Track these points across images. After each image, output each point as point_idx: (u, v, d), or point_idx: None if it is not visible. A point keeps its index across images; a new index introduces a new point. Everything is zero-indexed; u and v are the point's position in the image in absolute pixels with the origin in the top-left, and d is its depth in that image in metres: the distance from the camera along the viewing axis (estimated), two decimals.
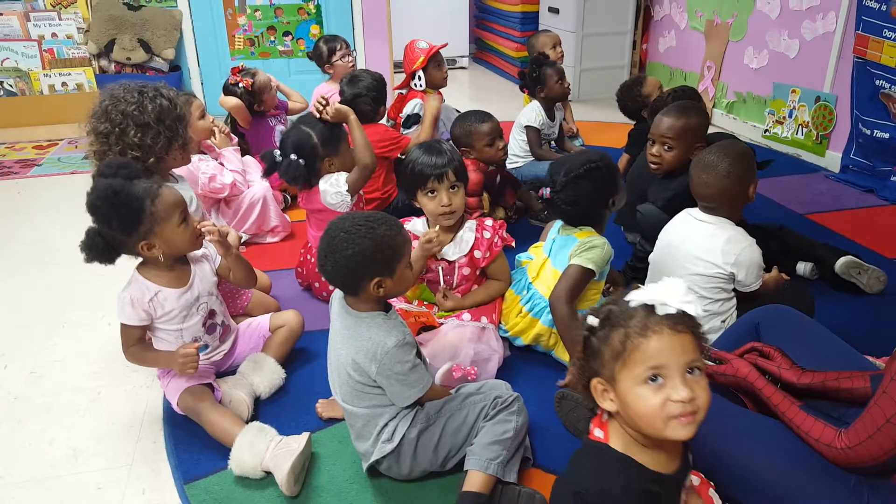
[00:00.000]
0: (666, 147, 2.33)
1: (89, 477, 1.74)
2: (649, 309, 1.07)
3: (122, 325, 1.79)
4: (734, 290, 1.97)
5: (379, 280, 1.51)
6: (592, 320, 1.12)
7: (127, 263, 1.82)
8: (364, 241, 1.48)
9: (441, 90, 3.59)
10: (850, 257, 2.42)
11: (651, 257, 2.11)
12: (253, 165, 3.08)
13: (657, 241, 2.10)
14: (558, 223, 2.09)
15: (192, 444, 1.80)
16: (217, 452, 1.75)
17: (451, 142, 2.83)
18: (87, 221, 1.71)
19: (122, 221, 1.66)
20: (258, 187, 2.93)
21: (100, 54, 4.46)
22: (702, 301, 1.94)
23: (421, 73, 3.33)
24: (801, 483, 1.35)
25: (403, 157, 2.34)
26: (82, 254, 1.71)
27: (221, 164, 2.98)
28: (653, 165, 2.39)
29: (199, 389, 1.83)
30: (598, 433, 1.17)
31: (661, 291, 1.08)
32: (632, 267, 2.45)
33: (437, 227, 2.09)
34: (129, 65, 4.49)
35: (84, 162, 3.92)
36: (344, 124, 2.38)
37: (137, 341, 1.81)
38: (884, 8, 3.12)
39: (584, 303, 1.98)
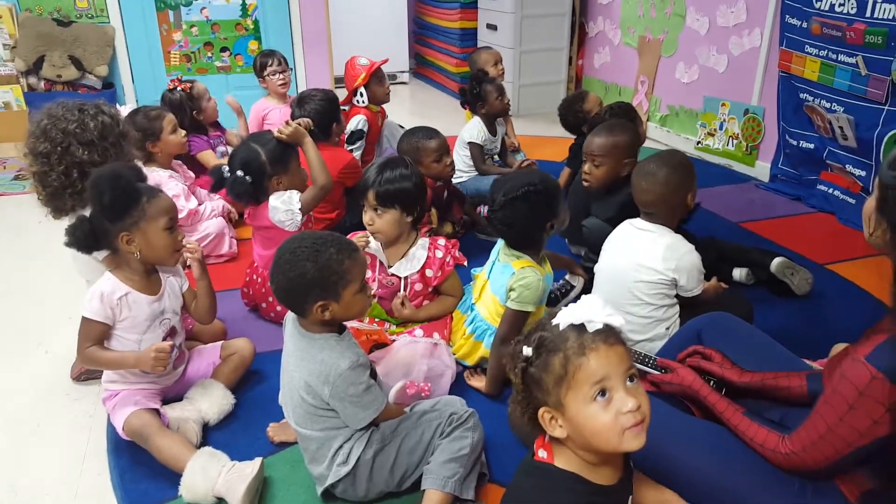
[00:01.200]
0: (595, 164, 2.44)
1: None
2: (579, 328, 1.10)
3: (83, 319, 1.74)
4: (677, 296, 2.03)
5: (323, 304, 1.49)
6: (527, 350, 1.13)
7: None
8: (307, 265, 1.47)
9: (383, 105, 3.61)
10: (783, 258, 2.54)
11: (596, 267, 2.16)
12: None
13: (602, 252, 2.15)
14: (500, 242, 2.10)
15: (138, 473, 1.74)
16: (165, 481, 1.69)
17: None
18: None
19: (115, 203, 1.67)
20: (215, 224, 2.90)
21: (28, 71, 4.30)
22: (646, 307, 2.00)
23: (363, 89, 3.35)
24: (747, 486, 1.40)
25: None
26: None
27: (192, 188, 2.96)
28: (584, 182, 2.49)
29: (145, 413, 1.78)
30: (542, 454, 1.19)
31: (585, 310, 1.11)
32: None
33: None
34: (59, 82, 4.34)
35: (14, 183, 3.77)
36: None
37: (96, 341, 1.75)
38: (805, 25, 3.29)
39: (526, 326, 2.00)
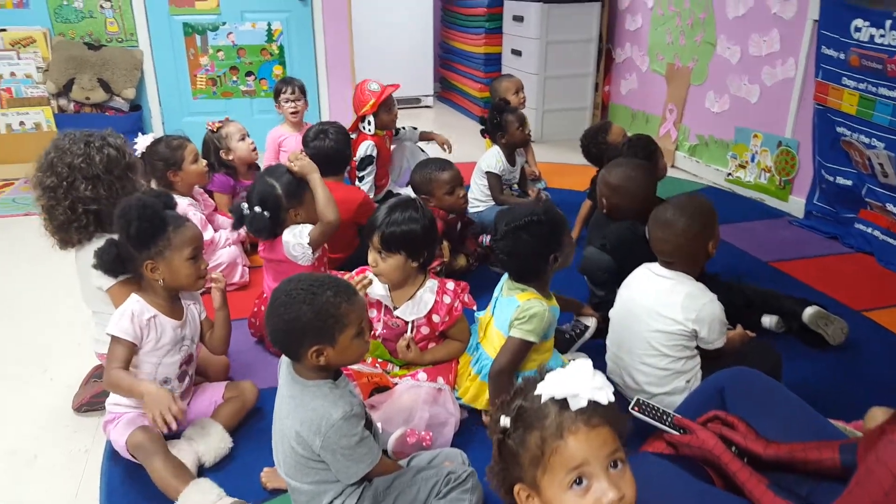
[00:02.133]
0: (602, 195, 2.43)
1: None
2: (561, 404, 1.00)
3: (112, 338, 1.74)
4: (697, 347, 1.91)
5: (318, 349, 1.42)
6: (505, 421, 1.04)
7: (78, 318, 1.81)
8: (302, 307, 1.40)
9: (402, 128, 3.57)
10: (817, 307, 2.39)
11: (611, 313, 2.06)
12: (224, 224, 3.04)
13: (617, 297, 2.04)
14: (504, 277, 2.02)
15: None
16: None
17: (409, 187, 2.78)
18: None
19: (140, 232, 1.70)
20: (227, 252, 2.87)
21: (59, 94, 4.36)
22: (664, 359, 1.89)
23: (371, 117, 3.29)
24: None
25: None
26: (93, 259, 1.78)
27: (210, 217, 2.94)
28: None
29: (152, 431, 1.75)
30: None
31: (570, 382, 1.00)
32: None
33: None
34: (88, 104, 4.39)
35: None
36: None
37: (124, 362, 1.74)
38: (842, 56, 3.16)
39: (528, 364, 1.91)
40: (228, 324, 1.94)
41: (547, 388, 1.01)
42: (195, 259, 1.79)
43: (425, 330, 2.01)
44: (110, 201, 1.91)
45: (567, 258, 1.92)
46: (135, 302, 1.78)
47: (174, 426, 1.68)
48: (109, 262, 1.76)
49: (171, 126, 4.72)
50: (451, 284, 2.04)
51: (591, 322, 2.30)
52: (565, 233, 1.91)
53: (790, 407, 1.60)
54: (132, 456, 1.76)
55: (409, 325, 2.01)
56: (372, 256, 1.97)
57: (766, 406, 1.60)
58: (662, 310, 1.87)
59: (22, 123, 4.35)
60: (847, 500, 1.17)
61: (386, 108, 3.31)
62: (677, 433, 1.59)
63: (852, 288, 2.83)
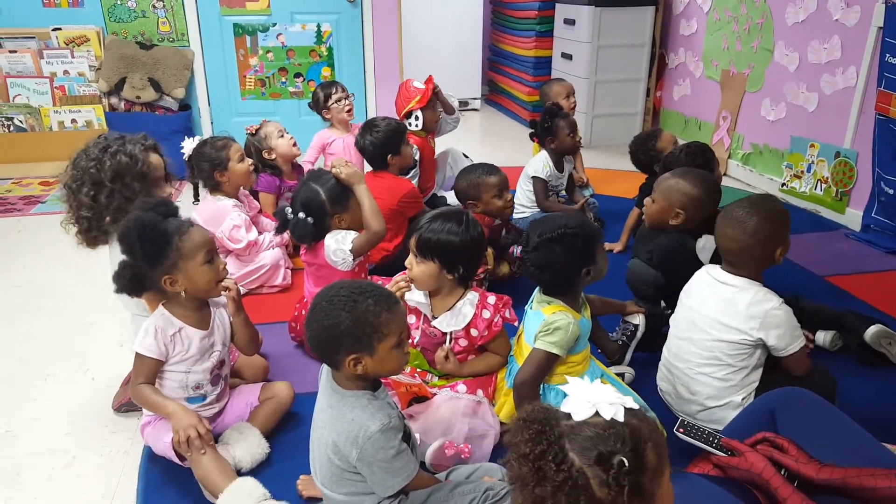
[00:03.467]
0: (653, 200, 2.31)
1: None
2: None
3: (137, 355, 1.75)
4: (768, 360, 1.84)
5: (356, 357, 1.40)
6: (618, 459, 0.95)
7: (121, 317, 1.82)
8: (342, 314, 1.38)
9: (449, 133, 3.53)
10: (881, 326, 2.28)
11: (672, 319, 2.00)
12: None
13: (678, 303, 1.98)
14: (537, 288, 1.97)
15: None
16: None
17: (453, 192, 2.75)
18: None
19: (147, 253, 1.67)
20: (271, 255, 2.87)
21: (110, 92, 4.46)
22: (725, 369, 1.82)
23: (419, 112, 3.24)
24: None
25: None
26: (113, 284, 1.74)
27: (255, 219, 2.95)
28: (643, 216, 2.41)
29: None
30: None
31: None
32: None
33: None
34: (138, 103, 4.48)
35: None
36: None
37: (149, 377, 1.76)
38: None
39: (555, 378, 1.87)
40: (249, 327, 1.91)
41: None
42: (211, 262, 1.75)
43: (463, 342, 1.98)
44: (109, 210, 1.91)
45: (600, 272, 1.86)
46: (159, 316, 1.77)
47: (199, 450, 1.69)
48: (128, 284, 1.73)
49: (219, 126, 4.78)
50: (492, 299, 1.99)
51: (638, 319, 2.24)
52: (599, 246, 1.86)
53: (845, 430, 1.53)
54: (175, 454, 1.76)
55: (448, 337, 1.99)
56: (409, 258, 1.95)
57: (818, 428, 1.53)
58: (725, 319, 1.80)
59: (74, 121, 4.48)
60: None
61: (431, 105, 3.28)
62: (724, 455, 1.53)
63: None
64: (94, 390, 2.23)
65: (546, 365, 1.81)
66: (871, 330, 2.27)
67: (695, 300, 1.90)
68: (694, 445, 1.58)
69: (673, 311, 2.34)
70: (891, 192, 3.26)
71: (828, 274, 3.00)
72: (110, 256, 2.01)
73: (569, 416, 0.99)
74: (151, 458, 1.88)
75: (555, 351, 1.80)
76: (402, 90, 3.34)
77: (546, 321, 1.81)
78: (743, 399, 1.83)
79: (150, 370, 1.75)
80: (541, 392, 1.85)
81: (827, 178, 3.70)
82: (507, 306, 1.99)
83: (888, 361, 2.27)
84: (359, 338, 1.39)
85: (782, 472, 1.44)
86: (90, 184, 1.90)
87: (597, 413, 0.97)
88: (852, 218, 3.55)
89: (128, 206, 1.91)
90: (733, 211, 1.83)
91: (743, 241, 1.79)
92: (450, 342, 1.98)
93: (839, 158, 3.60)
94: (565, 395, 1.02)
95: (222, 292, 1.81)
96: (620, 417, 0.97)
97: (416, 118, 3.27)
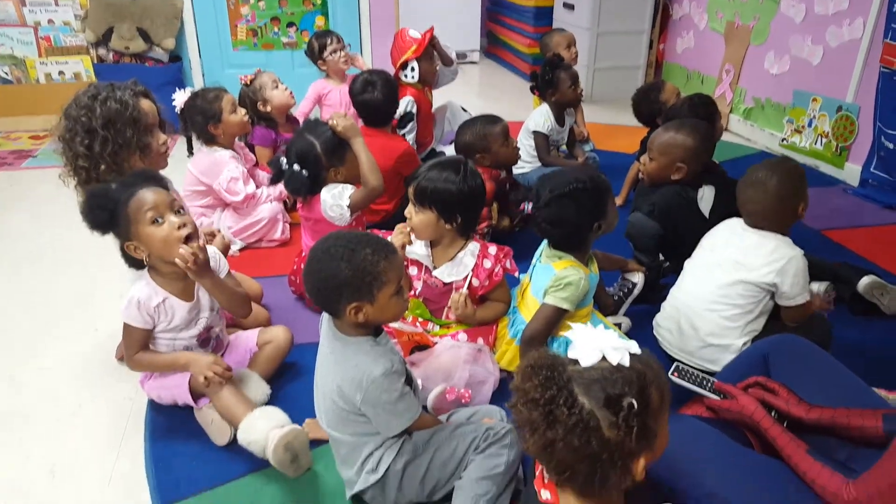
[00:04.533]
0: (651, 157, 2.32)
1: (66, 496, 1.67)
2: None
3: (125, 325, 1.76)
4: (774, 310, 1.89)
5: (357, 306, 1.42)
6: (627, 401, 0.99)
7: (122, 270, 1.83)
8: (341, 265, 1.40)
9: (446, 86, 3.47)
10: (874, 277, 2.33)
11: (689, 260, 2.02)
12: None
13: (698, 247, 2.01)
14: (543, 244, 1.99)
15: (172, 463, 1.74)
16: (198, 474, 1.69)
17: (452, 146, 2.73)
18: (79, 220, 1.69)
19: (98, 222, 1.66)
20: (269, 208, 2.86)
21: (98, 43, 4.34)
22: (734, 309, 1.86)
23: (415, 63, 3.18)
24: None
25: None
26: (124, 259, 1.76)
27: (251, 172, 2.92)
28: (640, 174, 2.42)
29: None
30: (546, 495, 1.09)
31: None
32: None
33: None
34: (127, 54, 4.36)
35: None
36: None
37: (141, 346, 1.77)
38: None
39: (566, 328, 1.88)
40: (223, 290, 1.80)
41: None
42: (158, 221, 1.66)
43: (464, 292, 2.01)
44: (105, 158, 1.88)
45: (610, 225, 1.88)
46: (143, 287, 1.74)
47: (228, 377, 1.75)
48: (125, 259, 1.75)
49: (210, 78, 4.69)
50: (493, 249, 2.00)
51: (637, 278, 2.27)
52: (610, 199, 1.87)
53: (835, 375, 1.58)
54: (190, 397, 1.81)
55: (465, 282, 2.00)
56: (408, 208, 1.96)
57: (810, 372, 1.58)
58: (745, 260, 1.85)
59: (61, 73, 4.38)
60: (886, 465, 1.18)
61: (428, 56, 3.20)
62: (717, 398, 1.58)
63: None
64: (97, 341, 2.26)
65: (556, 319, 1.85)
66: (864, 281, 2.31)
67: (719, 241, 1.94)
68: (687, 389, 1.62)
69: (671, 265, 2.38)
70: (891, 146, 3.25)
71: (824, 228, 3.02)
72: None
73: (575, 361, 1.02)
74: (155, 407, 1.91)
75: (565, 306, 1.83)
76: (397, 39, 3.26)
77: (557, 276, 1.84)
78: (743, 344, 1.87)
79: (140, 339, 1.76)
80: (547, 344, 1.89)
81: (828, 132, 3.68)
82: (507, 256, 2.00)
83: (880, 312, 2.32)
84: (359, 287, 1.41)
85: (773, 414, 1.49)
86: (83, 132, 1.87)
87: (603, 358, 1.00)
88: (851, 173, 3.56)
89: (123, 153, 1.90)
90: (753, 174, 1.87)
91: (766, 203, 1.84)
92: (467, 288, 1.99)
93: (841, 113, 3.59)
94: (569, 342, 1.05)
95: (178, 262, 1.67)
96: (626, 362, 1.00)
97: (413, 69, 3.19)
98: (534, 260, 2.01)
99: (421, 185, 1.92)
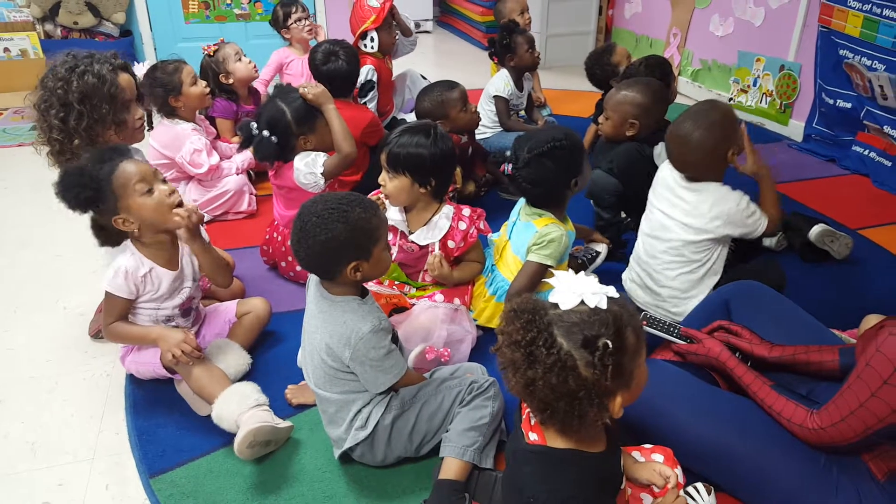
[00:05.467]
0: (606, 116, 2.41)
1: (49, 473, 1.67)
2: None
3: (107, 294, 1.74)
4: (730, 254, 1.97)
5: (356, 264, 1.45)
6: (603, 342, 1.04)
7: (89, 246, 1.79)
8: (338, 226, 1.42)
9: (401, 56, 3.48)
10: (824, 225, 2.46)
11: (644, 217, 2.07)
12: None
13: (647, 204, 2.06)
14: (521, 202, 2.05)
15: (156, 435, 1.75)
16: (183, 442, 1.71)
17: (413, 114, 2.75)
18: (41, 198, 1.69)
19: (83, 201, 1.64)
20: (234, 180, 2.85)
21: (44, 18, 4.22)
22: (690, 265, 1.93)
23: (374, 33, 3.18)
24: (772, 461, 1.38)
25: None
26: (96, 239, 1.74)
27: (214, 144, 2.88)
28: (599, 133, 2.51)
29: None
30: (533, 436, 1.15)
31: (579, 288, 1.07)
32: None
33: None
34: (76, 29, 4.26)
35: (32, 133, 3.73)
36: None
37: (120, 316, 1.77)
38: None
39: (546, 286, 1.96)
40: (210, 254, 1.85)
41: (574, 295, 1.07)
42: (150, 192, 1.68)
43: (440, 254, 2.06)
44: (79, 132, 1.86)
45: (585, 181, 1.95)
46: (129, 257, 1.74)
47: (196, 357, 1.74)
48: (98, 236, 1.73)
49: (163, 52, 4.61)
50: (466, 211, 2.05)
51: (601, 248, 2.35)
52: (584, 156, 1.94)
53: (793, 316, 1.69)
54: (167, 371, 1.80)
55: (435, 246, 2.04)
56: (382, 175, 1.99)
57: (769, 315, 1.68)
58: (690, 221, 1.90)
59: (7, 50, 4.23)
60: (846, 394, 1.26)
61: (387, 25, 3.20)
62: (685, 343, 1.67)
63: (848, 208, 2.91)
64: (67, 319, 2.23)
65: (539, 275, 1.91)
66: (815, 229, 2.44)
67: (664, 203, 1.98)
68: (656, 336, 1.70)
69: (631, 220, 2.47)
70: (831, 101, 3.40)
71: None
72: None
73: (555, 305, 1.07)
74: (135, 381, 1.91)
75: (549, 262, 1.90)
76: (356, 9, 3.24)
77: (540, 233, 1.90)
78: (704, 299, 1.94)
79: (121, 309, 1.76)
80: None
81: (772, 91, 3.83)
82: (481, 218, 2.06)
83: (830, 258, 2.46)
84: (358, 245, 1.44)
85: (737, 355, 1.58)
86: (59, 105, 1.85)
87: (582, 302, 1.05)
88: (795, 129, 3.71)
89: (98, 128, 1.87)
90: (677, 128, 1.89)
91: (693, 156, 1.87)
92: (439, 248, 2.03)
93: (784, 72, 3.73)
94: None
95: (176, 219, 1.72)
96: (604, 305, 1.05)
97: (372, 39, 3.19)
98: (512, 218, 2.07)
99: (393, 152, 1.94)
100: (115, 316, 1.76)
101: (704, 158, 1.87)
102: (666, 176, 1.99)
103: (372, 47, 3.21)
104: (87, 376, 1.98)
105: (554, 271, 1.14)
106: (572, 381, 1.02)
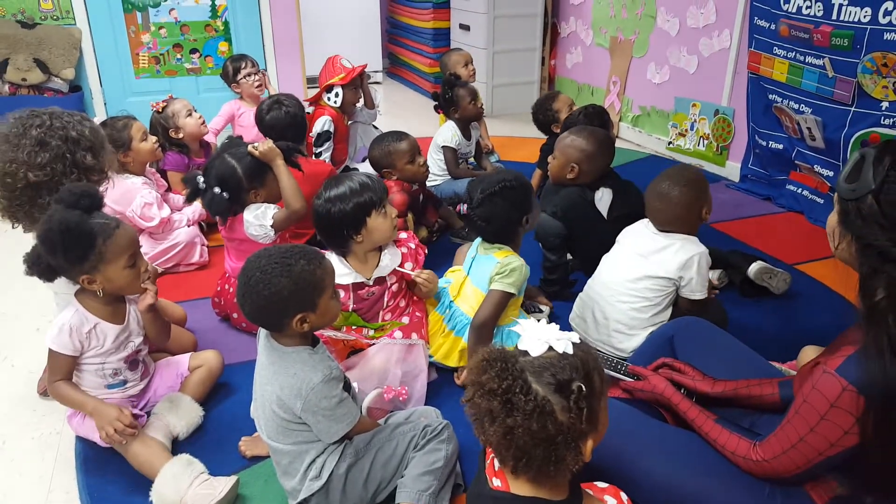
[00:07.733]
0: (553, 157, 2.53)
1: None
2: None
3: (51, 352, 1.70)
4: (675, 303, 2.05)
5: (302, 316, 1.48)
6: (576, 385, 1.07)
7: (34, 303, 1.73)
8: (281, 280, 1.44)
9: (357, 123, 3.58)
10: (762, 263, 2.57)
11: (605, 256, 2.16)
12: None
13: (616, 243, 2.16)
14: (477, 242, 2.15)
15: (107, 493, 1.71)
16: (135, 499, 1.67)
17: (367, 162, 2.82)
18: None
19: (69, 256, 1.61)
20: (185, 232, 2.85)
21: None
22: (642, 302, 2.01)
23: (340, 89, 3.28)
24: (719, 492, 1.41)
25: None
26: (24, 265, 1.67)
27: (165, 196, 2.88)
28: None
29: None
30: (497, 482, 1.17)
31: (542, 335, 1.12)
32: (545, 280, 2.54)
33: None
34: (25, 86, 4.22)
35: None
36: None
37: (65, 374, 1.73)
38: (773, 27, 3.33)
39: (504, 319, 2.06)
40: (158, 322, 1.84)
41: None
42: (133, 266, 1.69)
43: (395, 287, 2.12)
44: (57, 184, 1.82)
45: (534, 219, 2.08)
46: (73, 314, 1.70)
47: (128, 436, 1.70)
48: (42, 271, 1.67)
49: (113, 107, 4.60)
50: (402, 234, 2.20)
51: (545, 309, 2.44)
52: (533, 195, 2.08)
53: (734, 350, 1.75)
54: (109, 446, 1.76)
55: (385, 288, 2.11)
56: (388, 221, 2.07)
57: (712, 350, 1.74)
58: (654, 257, 2.00)
59: None
60: (787, 428, 1.31)
61: (353, 86, 3.34)
62: (631, 380, 1.72)
63: (785, 244, 3.05)
64: (14, 377, 2.18)
65: (503, 304, 2.01)
66: (754, 267, 2.55)
67: (632, 239, 2.10)
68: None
69: (576, 262, 2.55)
70: (764, 143, 3.59)
71: (713, 221, 3.29)
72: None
73: (524, 353, 1.11)
74: (84, 440, 1.86)
75: (512, 290, 2.00)
76: (328, 64, 3.37)
77: (502, 263, 2.01)
78: (649, 334, 2.01)
79: (65, 367, 1.72)
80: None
81: (708, 134, 4.02)
82: (412, 238, 2.20)
83: (768, 293, 2.56)
84: (302, 298, 1.46)
85: (682, 391, 1.64)
86: (67, 162, 1.83)
87: (550, 348, 1.10)
88: (732, 170, 3.89)
89: (85, 176, 1.86)
90: (657, 186, 2.03)
91: (671, 211, 2.00)
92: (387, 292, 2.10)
93: (718, 115, 3.93)
94: (516, 334, 1.15)
95: (147, 300, 1.75)
96: (570, 350, 1.10)
97: (337, 94, 3.30)
98: (470, 255, 2.16)
99: (322, 224, 2.03)
100: (59, 374, 1.72)
101: (682, 213, 1.99)
102: (641, 224, 2.12)
103: (335, 101, 3.31)
104: (36, 435, 1.94)
105: (519, 321, 1.18)
106: (551, 425, 1.05)
